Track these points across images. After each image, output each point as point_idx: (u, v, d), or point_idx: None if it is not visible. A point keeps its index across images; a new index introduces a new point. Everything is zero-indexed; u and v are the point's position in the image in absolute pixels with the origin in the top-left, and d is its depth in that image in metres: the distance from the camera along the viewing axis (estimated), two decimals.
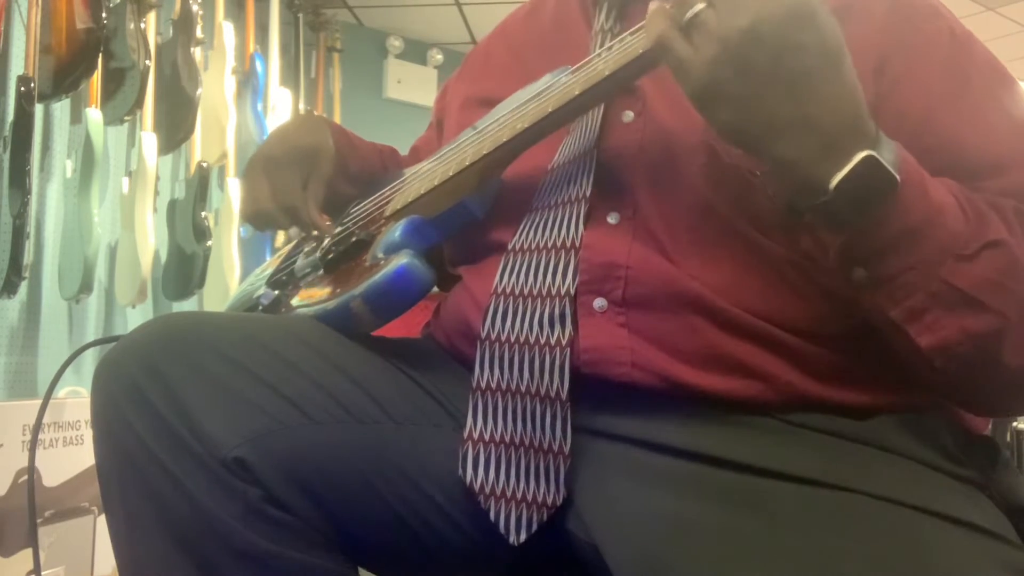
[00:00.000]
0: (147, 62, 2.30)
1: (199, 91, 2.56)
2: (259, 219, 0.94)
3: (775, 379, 0.67)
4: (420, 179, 0.87)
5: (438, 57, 4.27)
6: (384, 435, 0.72)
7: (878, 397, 0.68)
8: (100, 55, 2.06)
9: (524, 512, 0.69)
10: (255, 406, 0.67)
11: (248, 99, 3.02)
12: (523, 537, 0.69)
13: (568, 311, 0.70)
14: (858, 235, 0.61)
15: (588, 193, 0.74)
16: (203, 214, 2.60)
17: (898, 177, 0.59)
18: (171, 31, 2.57)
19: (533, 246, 0.74)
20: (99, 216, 2.12)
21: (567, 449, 0.69)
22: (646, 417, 0.68)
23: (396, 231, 0.79)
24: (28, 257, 1.84)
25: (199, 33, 2.60)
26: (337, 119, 3.62)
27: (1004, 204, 0.66)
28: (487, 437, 0.71)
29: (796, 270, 0.69)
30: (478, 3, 3.80)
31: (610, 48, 0.73)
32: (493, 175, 0.80)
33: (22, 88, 1.85)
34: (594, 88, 0.71)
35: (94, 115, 2.13)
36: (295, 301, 0.88)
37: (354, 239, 0.85)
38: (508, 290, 0.73)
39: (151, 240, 2.36)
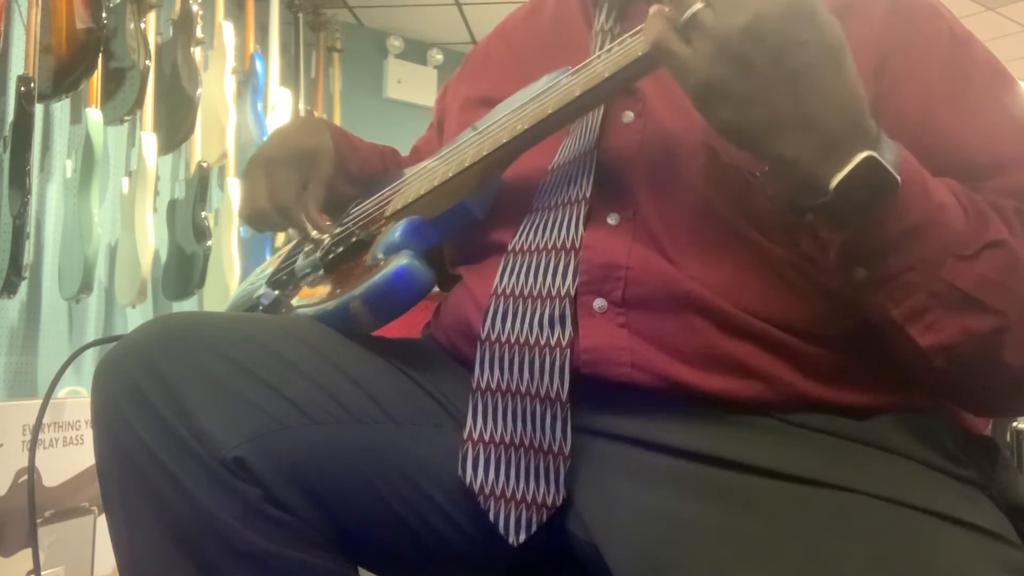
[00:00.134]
0: (147, 62, 2.30)
1: (199, 91, 2.57)
2: (256, 220, 0.95)
3: (775, 379, 0.67)
4: (420, 180, 0.87)
5: (438, 57, 4.27)
6: (384, 435, 0.72)
7: (878, 397, 0.68)
8: (100, 55, 2.06)
9: (524, 513, 0.69)
10: (255, 406, 0.67)
11: (248, 99, 3.03)
12: (523, 538, 0.69)
13: (568, 312, 0.70)
14: (859, 234, 0.61)
15: (588, 194, 0.74)
16: (203, 214, 2.60)
17: (899, 178, 0.59)
18: (171, 31, 2.57)
19: (533, 247, 0.74)
20: (99, 216, 2.12)
21: (567, 450, 0.69)
22: (646, 417, 0.69)
23: (396, 232, 0.79)
24: (28, 257, 1.84)
25: (199, 33, 2.60)
26: (337, 119, 3.63)
27: (1005, 204, 0.66)
28: (487, 438, 0.71)
29: (796, 271, 0.69)
30: (478, 3, 3.80)
31: (610, 50, 0.73)
32: (493, 176, 0.81)
33: (22, 88, 1.85)
34: (594, 90, 0.71)
35: (94, 115, 2.13)
36: (295, 301, 0.88)
37: (354, 239, 0.85)
38: (508, 291, 0.73)
39: (151, 240, 2.36)
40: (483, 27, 3.96)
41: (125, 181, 2.44)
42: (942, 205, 0.62)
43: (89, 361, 2.25)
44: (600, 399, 0.70)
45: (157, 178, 2.43)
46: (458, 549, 0.73)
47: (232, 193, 2.77)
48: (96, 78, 2.11)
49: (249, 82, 3.04)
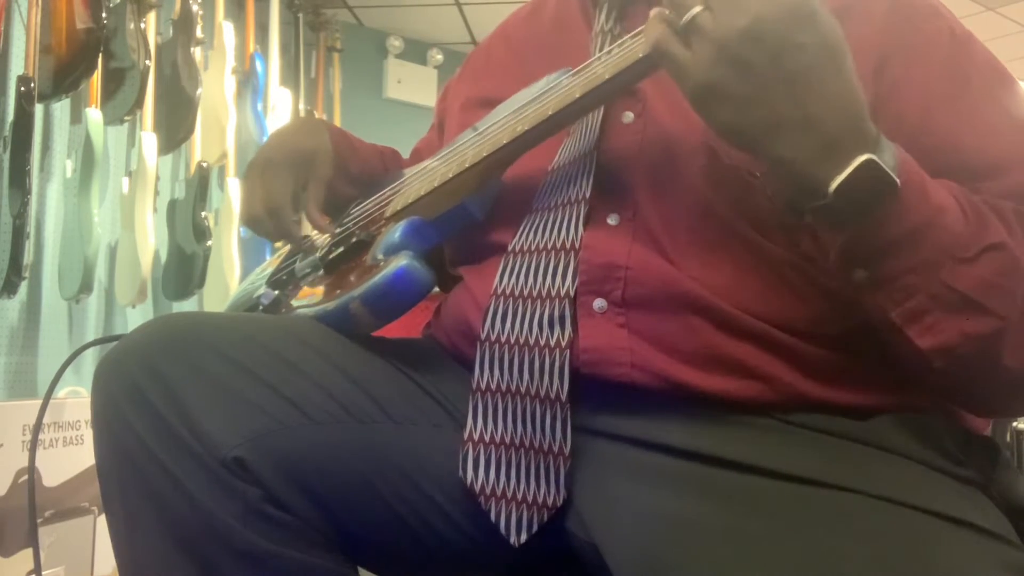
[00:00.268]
0: (147, 62, 2.30)
1: (199, 91, 2.57)
2: (253, 225, 0.95)
3: (775, 379, 0.67)
4: (420, 180, 0.87)
5: (438, 57, 4.27)
6: (384, 435, 0.72)
7: (878, 397, 0.68)
8: (100, 55, 2.06)
9: (524, 513, 0.70)
10: (255, 406, 0.67)
11: (248, 99, 3.03)
12: (523, 538, 0.69)
13: (568, 312, 0.70)
14: (858, 236, 0.61)
15: (588, 194, 0.74)
16: (203, 214, 2.60)
17: (898, 181, 0.59)
18: (171, 31, 2.57)
19: (533, 247, 0.75)
20: (99, 216, 2.12)
21: (567, 450, 0.69)
22: (646, 417, 0.69)
23: (396, 232, 0.79)
24: (28, 257, 1.84)
25: (199, 33, 2.60)
26: (337, 119, 3.63)
27: (1004, 206, 0.66)
28: (487, 438, 0.71)
29: (796, 271, 0.69)
30: (478, 3, 3.80)
31: (610, 52, 0.73)
32: (493, 176, 0.81)
33: (22, 88, 1.85)
34: (594, 91, 0.71)
35: (94, 115, 2.13)
36: (295, 301, 0.88)
37: (354, 239, 0.85)
38: (508, 291, 0.73)
39: (151, 240, 2.36)
40: (483, 27, 3.97)
41: (125, 181, 2.44)
42: (941, 208, 0.62)
43: (89, 361, 2.25)
44: (600, 399, 0.70)
45: (157, 178, 2.43)
46: (458, 549, 0.73)
47: (232, 193, 2.77)
48: (96, 78, 2.11)
49: (249, 82, 3.04)
